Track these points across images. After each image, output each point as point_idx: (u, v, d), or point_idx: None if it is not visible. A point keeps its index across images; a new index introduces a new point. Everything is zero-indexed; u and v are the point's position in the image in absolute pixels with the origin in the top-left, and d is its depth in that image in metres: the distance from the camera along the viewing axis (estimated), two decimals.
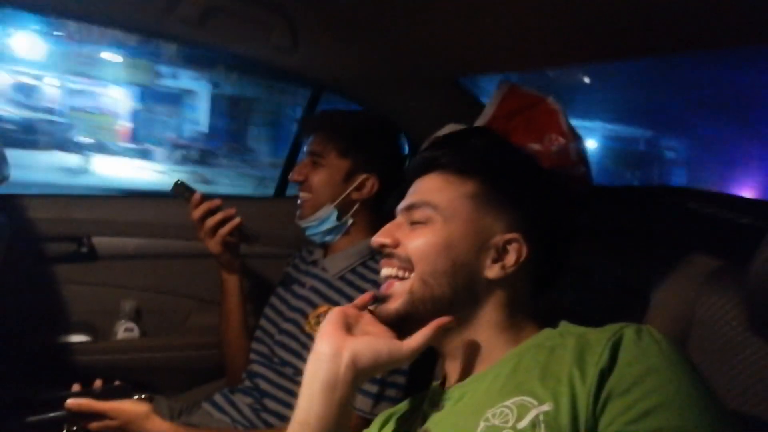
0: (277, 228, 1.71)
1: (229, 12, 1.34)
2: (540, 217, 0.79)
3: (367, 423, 0.90)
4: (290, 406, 1.25)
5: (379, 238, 0.80)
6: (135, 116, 8.51)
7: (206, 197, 1.36)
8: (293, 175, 1.41)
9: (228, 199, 1.41)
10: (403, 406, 0.87)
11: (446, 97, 1.66)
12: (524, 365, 0.70)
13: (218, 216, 1.34)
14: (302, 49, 1.44)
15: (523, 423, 0.62)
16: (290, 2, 1.33)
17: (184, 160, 8.30)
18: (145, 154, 8.14)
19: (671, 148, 9.52)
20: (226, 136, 9.45)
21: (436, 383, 0.83)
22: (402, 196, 0.85)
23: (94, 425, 1.10)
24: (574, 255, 0.84)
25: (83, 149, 7.35)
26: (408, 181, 0.86)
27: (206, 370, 1.66)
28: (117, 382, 1.17)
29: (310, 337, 1.28)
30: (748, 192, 5.76)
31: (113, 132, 8.15)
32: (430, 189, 0.80)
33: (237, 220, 1.35)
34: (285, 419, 1.26)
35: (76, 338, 1.59)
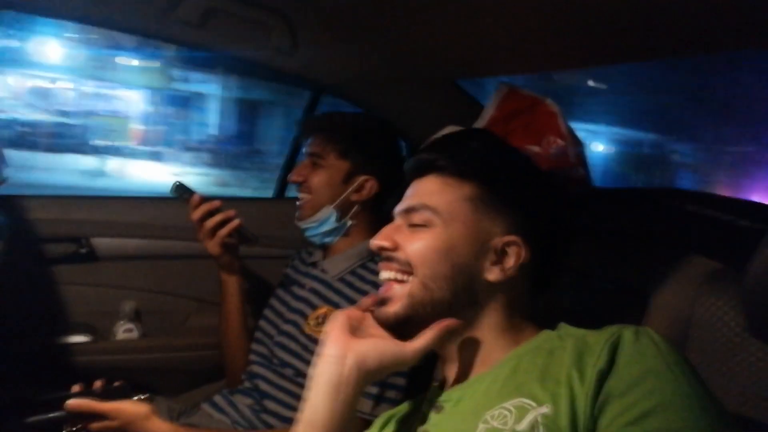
0: (277, 229, 1.71)
1: (229, 13, 1.34)
2: (539, 220, 0.79)
3: (367, 424, 0.90)
4: (290, 407, 1.26)
5: (378, 241, 0.80)
6: (152, 119, 8.52)
7: (206, 198, 1.36)
8: (292, 176, 1.41)
9: (227, 201, 1.41)
10: (402, 407, 0.87)
11: (445, 98, 1.67)
12: (523, 367, 0.71)
13: (218, 217, 1.34)
14: (302, 50, 1.45)
15: (522, 425, 0.63)
16: (290, 4, 1.33)
17: (201, 163, 8.31)
18: (160, 157, 8.15)
19: (678, 151, 9.51)
20: (243, 139, 9.46)
21: (435, 385, 0.84)
22: (401, 197, 0.84)
23: (94, 426, 1.10)
24: (574, 256, 0.84)
25: (100, 152, 7.36)
26: (406, 182, 0.86)
27: (206, 371, 1.66)
28: (117, 383, 1.16)
29: (310, 339, 1.28)
30: (756, 196, 5.71)
31: (129, 135, 8.17)
32: (429, 191, 0.80)
33: (236, 222, 1.35)
34: (285, 420, 1.26)
35: (76, 339, 1.58)
